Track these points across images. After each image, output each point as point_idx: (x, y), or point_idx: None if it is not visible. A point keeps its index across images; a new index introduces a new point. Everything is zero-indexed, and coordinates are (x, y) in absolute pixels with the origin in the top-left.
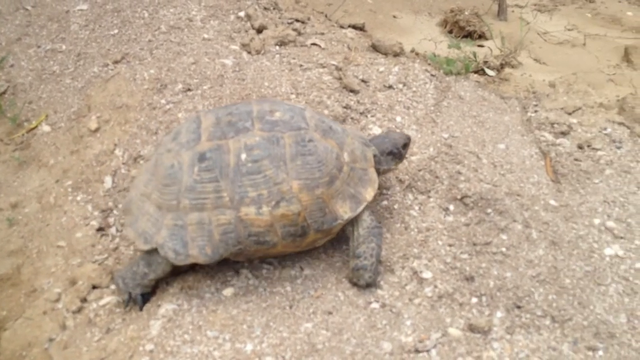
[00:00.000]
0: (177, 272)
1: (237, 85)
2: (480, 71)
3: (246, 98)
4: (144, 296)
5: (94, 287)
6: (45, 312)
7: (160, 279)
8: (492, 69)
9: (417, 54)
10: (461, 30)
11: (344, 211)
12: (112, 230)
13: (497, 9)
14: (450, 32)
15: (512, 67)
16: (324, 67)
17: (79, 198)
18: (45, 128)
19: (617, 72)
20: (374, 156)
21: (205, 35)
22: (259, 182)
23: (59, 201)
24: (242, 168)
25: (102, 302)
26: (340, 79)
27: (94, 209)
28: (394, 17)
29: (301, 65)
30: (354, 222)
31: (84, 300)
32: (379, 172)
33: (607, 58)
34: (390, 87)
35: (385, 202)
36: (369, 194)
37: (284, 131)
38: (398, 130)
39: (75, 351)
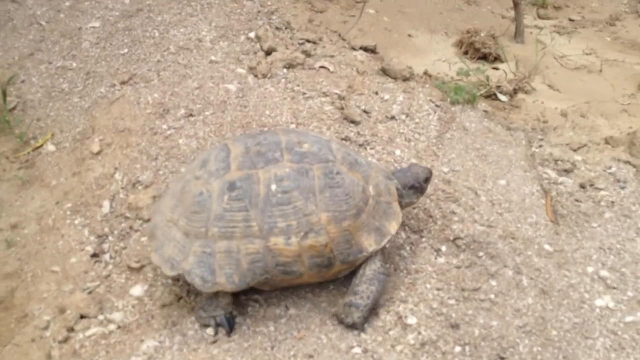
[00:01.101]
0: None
1: (238, 112)
2: (492, 95)
3: (247, 126)
4: (229, 319)
5: (82, 317)
6: (33, 340)
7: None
8: (505, 94)
9: (429, 76)
10: (476, 52)
11: (369, 244)
12: (106, 257)
13: (515, 31)
14: (466, 53)
15: (526, 92)
16: (326, 95)
17: (76, 222)
18: (50, 147)
19: (632, 102)
20: (396, 190)
21: (213, 58)
22: (289, 212)
23: (57, 224)
24: (272, 199)
25: (88, 333)
26: (342, 109)
27: (90, 233)
28: (409, 36)
29: (304, 94)
30: (364, 262)
31: (70, 329)
32: (401, 206)
33: (622, 86)
34: (392, 117)
35: None
36: (393, 227)
37: (313, 163)
38: (421, 164)
39: None
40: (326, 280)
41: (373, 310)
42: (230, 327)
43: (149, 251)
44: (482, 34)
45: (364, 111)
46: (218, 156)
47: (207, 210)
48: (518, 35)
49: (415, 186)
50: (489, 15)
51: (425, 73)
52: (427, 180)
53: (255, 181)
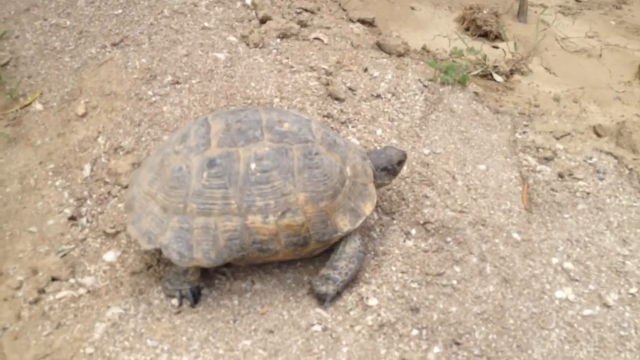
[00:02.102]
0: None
1: (224, 82)
2: (489, 75)
3: (231, 97)
4: (194, 292)
5: (54, 279)
6: (5, 299)
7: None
8: (501, 74)
9: (428, 51)
10: (478, 29)
11: (344, 224)
12: (83, 220)
13: (518, 10)
14: (467, 29)
15: (522, 74)
16: (314, 70)
17: (57, 183)
18: (38, 106)
19: (627, 89)
20: None
21: (206, 24)
22: (267, 192)
23: (39, 184)
24: (251, 177)
25: (58, 296)
26: (327, 85)
27: (69, 196)
28: (412, 8)
29: (292, 67)
30: (344, 237)
31: (42, 291)
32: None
33: (620, 73)
34: (378, 96)
35: None
36: (368, 208)
37: (293, 143)
38: (396, 146)
39: (23, 343)
40: (300, 258)
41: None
42: (195, 299)
43: (126, 223)
44: (484, 11)
45: (350, 88)
46: (198, 131)
47: (185, 186)
48: (521, 14)
49: (387, 168)
50: None
51: (424, 48)
52: (400, 163)
53: (235, 159)
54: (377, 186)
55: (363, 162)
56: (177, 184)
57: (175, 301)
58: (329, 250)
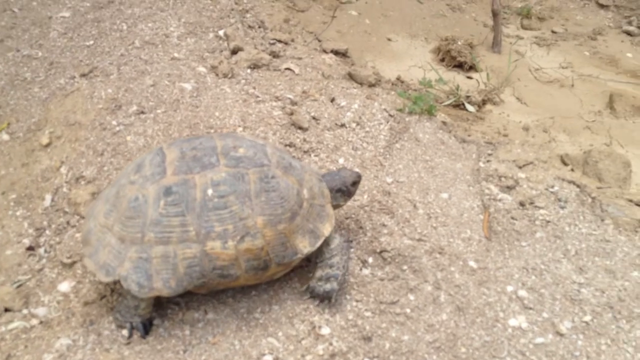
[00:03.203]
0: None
1: (189, 112)
2: (461, 105)
3: (194, 127)
4: (144, 324)
5: (7, 310)
6: None
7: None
8: (473, 104)
9: (402, 82)
10: (453, 60)
11: (304, 246)
12: (41, 250)
13: (492, 41)
14: (443, 60)
15: (494, 104)
16: (279, 100)
17: (18, 213)
18: (5, 136)
19: (597, 119)
20: None
21: (176, 54)
22: (225, 217)
23: (0, 214)
24: (208, 203)
25: (10, 327)
26: (291, 114)
27: (29, 226)
28: (389, 40)
29: (257, 97)
30: (325, 241)
31: None
32: None
33: (591, 103)
34: (342, 125)
35: None
36: (327, 229)
37: (249, 167)
38: (350, 168)
39: None
40: (261, 283)
41: (288, 319)
42: (146, 331)
43: (82, 257)
44: (459, 42)
45: (314, 118)
46: (153, 161)
47: (143, 215)
48: (495, 45)
49: (342, 189)
50: (472, 23)
51: (398, 79)
52: (354, 184)
53: (191, 186)
54: (333, 207)
55: (319, 184)
56: (134, 214)
57: (125, 332)
58: (287, 273)
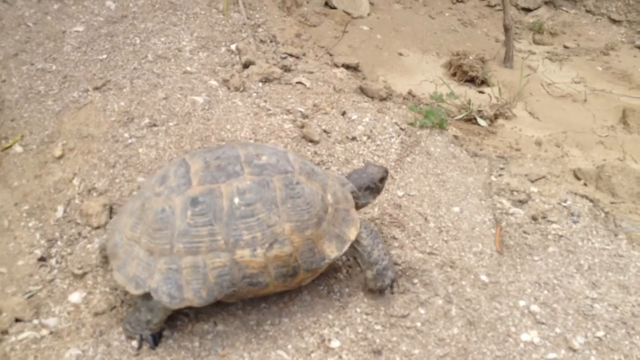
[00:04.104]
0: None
1: (201, 125)
2: (473, 119)
3: (206, 139)
4: (154, 336)
5: (17, 320)
6: None
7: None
8: (485, 119)
9: (413, 96)
10: (464, 74)
11: (331, 251)
12: (53, 261)
13: (504, 56)
14: (454, 74)
15: (506, 118)
16: (290, 113)
17: (30, 224)
18: (18, 149)
19: (610, 134)
20: (352, 192)
21: (188, 68)
22: (253, 225)
23: (12, 225)
24: (235, 212)
25: (20, 337)
26: (302, 127)
27: (41, 237)
28: (400, 54)
29: (268, 110)
30: (355, 243)
31: (4, 332)
32: (358, 207)
33: (604, 118)
34: (353, 138)
35: None
36: (352, 233)
37: (273, 174)
38: (375, 163)
39: None
40: (289, 290)
41: (298, 331)
42: (156, 342)
43: (112, 270)
44: (470, 57)
45: (325, 131)
46: (177, 172)
47: (170, 226)
48: (507, 60)
49: (370, 187)
50: (483, 38)
51: (410, 93)
52: (382, 180)
53: (218, 195)
54: (362, 205)
55: (343, 188)
56: (162, 226)
57: (135, 343)
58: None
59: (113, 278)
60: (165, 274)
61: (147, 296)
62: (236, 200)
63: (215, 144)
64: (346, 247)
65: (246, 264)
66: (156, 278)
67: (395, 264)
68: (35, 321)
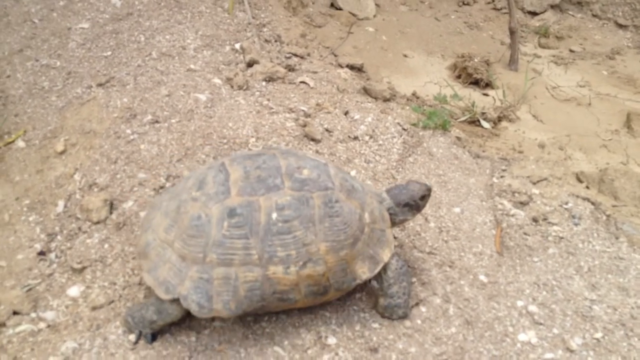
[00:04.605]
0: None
1: (203, 122)
2: (477, 121)
3: (207, 137)
4: (154, 335)
5: (15, 313)
6: None
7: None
8: (489, 121)
9: (417, 97)
10: (469, 76)
11: (363, 272)
12: (52, 256)
13: (509, 58)
14: (459, 77)
15: (510, 121)
16: (292, 112)
17: (31, 219)
18: (21, 143)
19: (614, 138)
20: (388, 208)
21: (192, 66)
22: (289, 242)
23: (13, 219)
24: (272, 227)
25: (17, 329)
26: (304, 126)
27: (41, 231)
28: (405, 56)
29: (271, 108)
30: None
31: (2, 325)
32: (395, 223)
33: (608, 121)
34: (355, 138)
35: None
36: (386, 255)
37: (313, 191)
38: (419, 181)
39: None
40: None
41: (295, 328)
42: (154, 339)
43: (142, 271)
44: (475, 60)
45: (327, 130)
46: (217, 178)
47: (205, 235)
48: (512, 62)
49: (409, 204)
50: (489, 41)
51: (414, 94)
52: (423, 197)
53: (256, 208)
54: (400, 222)
55: (380, 206)
56: (197, 233)
57: (132, 337)
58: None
59: (143, 279)
60: (196, 282)
61: (161, 299)
62: (274, 215)
63: (218, 142)
64: (378, 269)
65: (278, 281)
66: (187, 285)
67: None
68: (33, 314)
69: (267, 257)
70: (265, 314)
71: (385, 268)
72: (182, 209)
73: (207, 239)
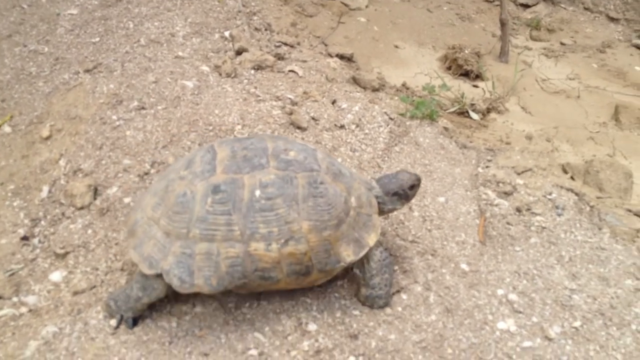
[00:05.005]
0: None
1: (189, 109)
2: (465, 112)
3: (193, 123)
4: (135, 319)
5: None
6: None
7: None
8: (478, 112)
9: (407, 88)
10: (459, 68)
11: (347, 254)
12: (35, 240)
13: (499, 50)
14: (449, 68)
15: (498, 112)
16: (279, 100)
17: (15, 204)
18: (7, 129)
19: (602, 130)
20: (377, 197)
21: (180, 53)
22: (271, 219)
23: None
24: (255, 204)
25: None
26: (290, 114)
27: (25, 216)
28: (396, 47)
29: (258, 96)
30: (365, 255)
31: None
32: (384, 212)
33: (597, 114)
34: (342, 126)
35: None
36: (372, 239)
37: (298, 171)
38: (409, 171)
39: None
40: (302, 288)
41: (276, 314)
42: (135, 324)
43: (128, 248)
44: (466, 51)
45: (313, 118)
46: (204, 158)
47: (189, 211)
48: (503, 54)
49: (398, 193)
50: (480, 33)
51: (403, 85)
52: (412, 187)
53: (240, 186)
54: (388, 211)
55: (368, 193)
56: (181, 209)
57: (113, 322)
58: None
59: (129, 255)
60: (178, 257)
61: (146, 275)
62: (257, 192)
63: (204, 129)
64: (363, 252)
65: (259, 257)
66: (170, 260)
67: None
68: (15, 299)
69: (249, 234)
70: (247, 299)
71: (368, 258)
72: (170, 187)
73: (191, 215)
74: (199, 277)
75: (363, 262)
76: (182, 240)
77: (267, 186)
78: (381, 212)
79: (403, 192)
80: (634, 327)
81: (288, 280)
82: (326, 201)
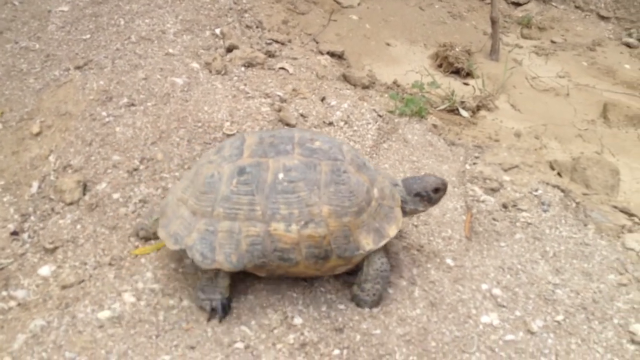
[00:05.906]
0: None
1: (179, 106)
2: (455, 110)
3: (182, 120)
4: (224, 306)
5: None
6: None
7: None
8: (467, 109)
9: (398, 85)
10: (450, 66)
11: (367, 242)
12: (25, 235)
13: (490, 48)
14: (440, 66)
15: (488, 110)
16: (268, 97)
17: (5, 199)
18: None
19: (590, 127)
20: (400, 196)
21: (170, 50)
22: (292, 201)
23: None
24: (277, 186)
25: None
26: (279, 111)
27: (15, 212)
28: (388, 44)
29: (247, 93)
30: (367, 258)
31: None
32: (405, 212)
33: (585, 112)
34: (330, 123)
35: None
36: (393, 230)
37: (322, 159)
38: (436, 175)
39: None
40: (322, 275)
41: (262, 308)
42: (225, 313)
43: (158, 227)
44: (457, 49)
45: (302, 115)
46: (233, 144)
47: (215, 191)
48: (493, 52)
49: (421, 194)
50: (472, 31)
51: (394, 82)
52: (437, 190)
53: (264, 168)
54: (410, 212)
55: (392, 187)
56: (208, 189)
57: (205, 314)
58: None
59: (157, 234)
60: (202, 234)
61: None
62: (280, 175)
63: (193, 125)
64: (383, 242)
65: (279, 237)
66: (193, 237)
67: None
68: (4, 293)
69: (270, 214)
70: (233, 294)
71: (369, 262)
72: (199, 171)
73: (217, 195)
74: (220, 253)
75: (363, 264)
76: (207, 218)
77: (291, 170)
78: (403, 212)
79: (426, 194)
80: (615, 321)
81: (307, 263)
82: (348, 188)
